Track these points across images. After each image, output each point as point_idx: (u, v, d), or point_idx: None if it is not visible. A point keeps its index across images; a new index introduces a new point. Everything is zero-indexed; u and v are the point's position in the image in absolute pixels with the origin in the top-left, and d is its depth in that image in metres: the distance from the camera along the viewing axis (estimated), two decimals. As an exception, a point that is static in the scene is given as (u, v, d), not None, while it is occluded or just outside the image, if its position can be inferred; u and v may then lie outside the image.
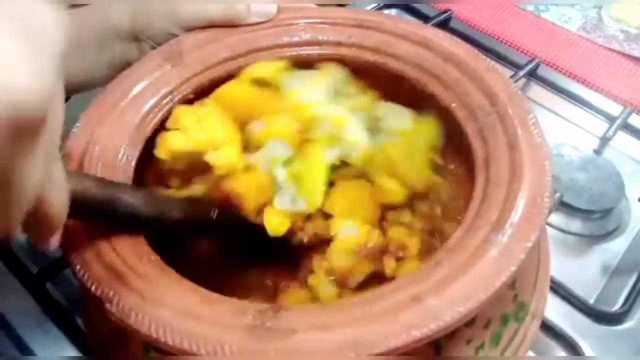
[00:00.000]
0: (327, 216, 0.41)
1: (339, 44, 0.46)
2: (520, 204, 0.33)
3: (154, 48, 0.47)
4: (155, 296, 0.31)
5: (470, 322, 0.31)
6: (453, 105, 0.41)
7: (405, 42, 0.44)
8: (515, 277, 0.31)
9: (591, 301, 0.51)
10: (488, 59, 0.43)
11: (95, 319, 0.40)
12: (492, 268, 0.30)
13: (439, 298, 0.29)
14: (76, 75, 0.54)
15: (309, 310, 0.31)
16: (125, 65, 0.45)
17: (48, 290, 0.51)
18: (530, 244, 0.31)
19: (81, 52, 0.53)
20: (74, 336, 0.48)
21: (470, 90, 0.40)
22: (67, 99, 0.61)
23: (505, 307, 0.36)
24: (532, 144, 0.36)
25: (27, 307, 0.50)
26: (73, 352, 0.48)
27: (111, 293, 0.31)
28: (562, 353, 0.48)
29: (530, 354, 0.37)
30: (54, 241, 0.29)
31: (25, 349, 0.48)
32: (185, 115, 0.41)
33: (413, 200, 0.43)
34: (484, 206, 0.34)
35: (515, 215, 0.33)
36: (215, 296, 0.31)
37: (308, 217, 0.41)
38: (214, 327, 0.29)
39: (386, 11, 0.82)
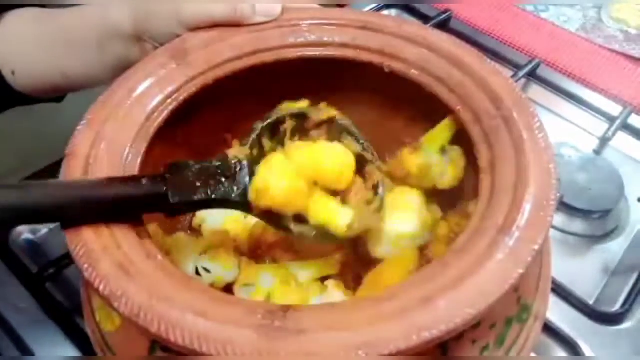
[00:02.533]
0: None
1: (343, 45, 0.46)
2: (527, 207, 0.33)
3: (156, 48, 0.46)
4: (164, 295, 0.31)
5: (476, 324, 0.31)
6: (458, 108, 0.41)
7: (410, 44, 0.44)
8: (520, 279, 0.31)
9: (591, 301, 0.52)
10: (493, 63, 0.42)
11: (98, 319, 0.40)
12: (500, 271, 0.31)
13: (448, 300, 0.29)
14: (76, 74, 0.54)
15: (318, 310, 0.31)
16: (127, 65, 0.44)
17: (48, 290, 0.51)
18: (537, 247, 0.31)
19: (82, 51, 0.52)
20: (74, 336, 0.49)
21: (475, 94, 0.41)
22: (64, 96, 0.61)
23: (510, 310, 0.36)
24: (537, 147, 0.36)
25: (27, 307, 0.50)
26: (73, 352, 0.48)
27: (119, 292, 0.31)
28: (562, 353, 0.48)
29: (531, 354, 0.38)
30: None
31: (25, 349, 0.48)
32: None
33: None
34: (490, 209, 0.34)
35: (522, 219, 0.33)
36: (225, 296, 0.31)
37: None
38: (223, 327, 0.29)
39: (386, 11, 0.82)
